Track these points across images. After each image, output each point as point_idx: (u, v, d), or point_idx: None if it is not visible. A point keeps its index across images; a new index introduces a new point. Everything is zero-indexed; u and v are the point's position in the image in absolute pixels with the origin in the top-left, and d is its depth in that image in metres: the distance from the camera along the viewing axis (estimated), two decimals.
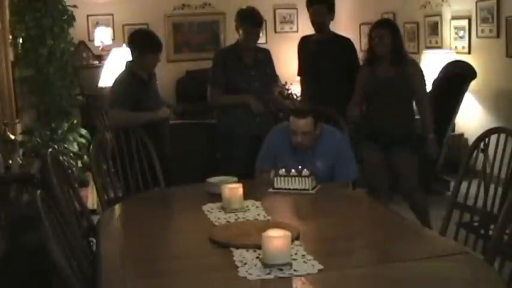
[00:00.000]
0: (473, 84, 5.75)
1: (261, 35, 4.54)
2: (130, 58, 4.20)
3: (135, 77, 4.12)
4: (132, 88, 4.07)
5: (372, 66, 4.29)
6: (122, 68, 4.25)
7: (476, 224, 3.18)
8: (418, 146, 4.25)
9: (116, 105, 4.05)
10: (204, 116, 5.75)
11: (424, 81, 4.31)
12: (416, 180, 4.30)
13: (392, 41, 4.17)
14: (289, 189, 3.24)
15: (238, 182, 3.14)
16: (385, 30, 4.20)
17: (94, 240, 2.92)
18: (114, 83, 4.19)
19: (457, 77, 5.53)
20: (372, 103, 4.30)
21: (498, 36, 5.82)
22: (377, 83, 4.23)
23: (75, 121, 6.22)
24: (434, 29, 6.76)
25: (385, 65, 4.23)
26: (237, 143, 4.45)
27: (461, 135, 6.28)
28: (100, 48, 7.87)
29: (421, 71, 4.34)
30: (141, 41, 4.16)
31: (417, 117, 4.43)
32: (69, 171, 5.11)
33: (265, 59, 4.57)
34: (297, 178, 3.23)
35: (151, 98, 4.17)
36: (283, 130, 3.71)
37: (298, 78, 5.25)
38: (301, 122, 3.49)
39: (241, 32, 4.40)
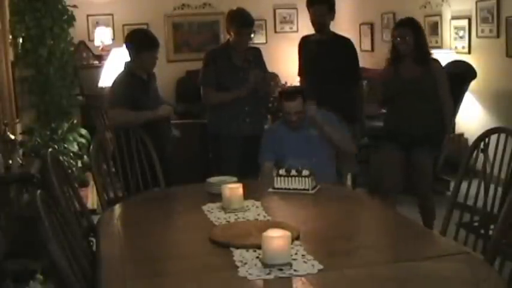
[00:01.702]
0: (473, 84, 5.75)
1: (252, 35, 4.51)
2: (128, 59, 4.19)
3: (134, 77, 4.10)
4: (131, 88, 4.06)
5: (396, 66, 4.27)
6: (121, 68, 4.24)
7: (476, 224, 3.18)
8: (438, 146, 4.23)
9: (116, 105, 4.04)
10: (203, 116, 5.75)
11: (446, 79, 4.26)
12: (432, 180, 4.29)
13: (414, 40, 4.16)
14: (289, 189, 3.25)
15: (238, 182, 3.14)
16: (406, 29, 4.18)
17: (94, 240, 2.92)
18: (113, 83, 4.18)
19: (457, 77, 5.52)
20: (396, 102, 4.28)
21: (498, 36, 5.83)
22: (402, 82, 4.20)
23: (75, 121, 6.22)
24: (434, 29, 6.76)
25: (408, 63, 4.20)
26: (228, 144, 4.44)
27: (461, 135, 6.28)
28: (100, 48, 7.87)
29: (443, 69, 4.30)
30: (137, 40, 4.14)
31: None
32: (69, 171, 5.11)
33: (255, 59, 4.55)
34: (296, 178, 3.24)
35: (150, 98, 4.16)
36: (275, 124, 4.22)
37: (299, 78, 5.25)
38: (293, 104, 3.89)
39: (232, 33, 4.39)
